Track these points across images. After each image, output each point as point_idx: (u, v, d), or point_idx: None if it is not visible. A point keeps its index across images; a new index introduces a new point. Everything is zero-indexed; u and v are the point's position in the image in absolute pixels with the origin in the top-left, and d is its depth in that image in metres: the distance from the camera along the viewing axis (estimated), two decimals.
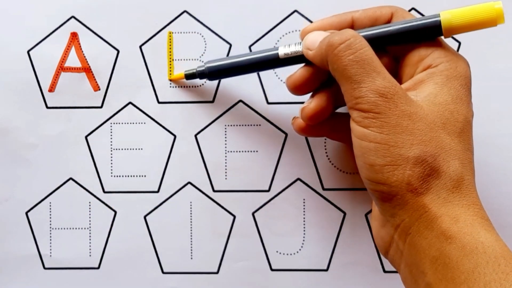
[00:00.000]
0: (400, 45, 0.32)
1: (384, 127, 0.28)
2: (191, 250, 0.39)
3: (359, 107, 0.29)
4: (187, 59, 0.39)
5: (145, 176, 0.39)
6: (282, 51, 0.34)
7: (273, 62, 0.34)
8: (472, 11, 0.30)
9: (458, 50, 0.38)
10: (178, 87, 0.39)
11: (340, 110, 0.35)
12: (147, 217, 0.39)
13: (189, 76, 0.37)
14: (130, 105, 0.39)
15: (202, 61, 0.39)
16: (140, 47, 0.39)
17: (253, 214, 0.39)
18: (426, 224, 0.28)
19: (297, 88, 0.33)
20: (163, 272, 0.39)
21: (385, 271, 0.38)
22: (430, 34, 0.31)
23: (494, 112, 0.38)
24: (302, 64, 0.34)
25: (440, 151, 0.28)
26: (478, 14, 0.30)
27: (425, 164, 0.28)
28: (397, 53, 0.32)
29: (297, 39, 0.38)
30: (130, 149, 0.39)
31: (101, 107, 0.39)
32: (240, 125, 0.39)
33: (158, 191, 0.39)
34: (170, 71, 0.39)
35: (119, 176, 0.39)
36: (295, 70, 0.34)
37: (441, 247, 0.27)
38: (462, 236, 0.27)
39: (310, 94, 0.34)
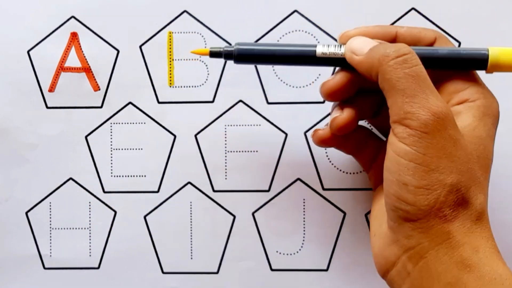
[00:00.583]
0: (442, 70, 0.32)
1: (429, 148, 0.27)
2: (191, 250, 0.39)
3: (407, 122, 0.28)
4: (187, 59, 0.39)
5: (145, 176, 0.39)
6: (320, 50, 0.32)
7: (307, 59, 0.32)
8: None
9: None
10: (178, 87, 0.39)
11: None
12: (147, 217, 0.39)
13: (214, 54, 0.33)
14: (130, 105, 0.39)
15: (203, 61, 0.39)
16: (140, 47, 0.39)
17: (253, 214, 0.39)
18: (447, 250, 0.27)
19: (333, 94, 0.32)
20: (163, 272, 0.39)
21: None
22: (475, 65, 0.31)
23: None
24: (337, 68, 0.33)
25: (472, 183, 0.28)
26: None
27: (458, 193, 0.28)
28: (433, 79, 0.31)
29: (298, 39, 0.38)
30: (130, 149, 0.39)
31: (101, 107, 0.39)
32: (240, 125, 0.39)
33: (158, 191, 0.39)
34: (170, 71, 0.39)
35: (119, 176, 0.39)
36: (331, 76, 0.32)
37: (459, 275, 0.27)
38: (481, 266, 0.27)
39: (334, 104, 0.34)
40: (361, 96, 0.33)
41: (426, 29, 0.33)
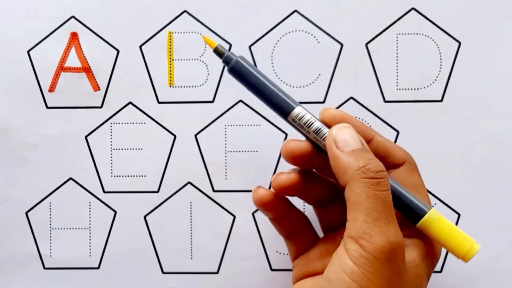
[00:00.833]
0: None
1: (376, 275, 0.27)
2: (191, 250, 0.39)
3: (362, 243, 0.27)
4: (187, 59, 0.39)
5: (145, 176, 0.39)
6: (297, 113, 0.31)
7: (282, 112, 0.31)
8: (454, 231, 0.30)
9: (458, 50, 0.38)
10: (178, 87, 0.39)
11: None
12: (147, 217, 0.39)
13: (216, 51, 0.32)
14: (130, 105, 0.39)
15: (203, 61, 0.39)
16: (140, 47, 0.39)
17: (253, 214, 0.39)
18: None
19: (293, 158, 0.32)
20: (163, 272, 0.39)
21: None
22: (410, 214, 0.30)
23: (494, 111, 0.38)
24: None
25: None
26: (455, 237, 0.29)
27: None
28: None
29: (297, 40, 0.38)
30: (130, 149, 0.39)
31: (101, 107, 0.39)
32: (240, 125, 0.39)
33: (158, 191, 0.39)
34: (170, 71, 0.39)
35: (119, 176, 0.39)
36: (298, 140, 0.32)
37: None
38: None
39: None
40: (316, 180, 0.33)
41: (400, 150, 0.32)
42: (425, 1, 0.38)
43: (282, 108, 0.31)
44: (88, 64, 0.39)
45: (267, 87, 0.31)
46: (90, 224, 0.39)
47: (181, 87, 0.39)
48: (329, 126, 0.31)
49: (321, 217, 0.35)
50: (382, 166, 0.29)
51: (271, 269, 0.39)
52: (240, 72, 0.31)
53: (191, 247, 0.39)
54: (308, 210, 0.38)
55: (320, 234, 0.34)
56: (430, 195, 0.38)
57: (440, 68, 0.38)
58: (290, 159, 0.32)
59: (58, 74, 0.39)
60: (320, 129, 0.31)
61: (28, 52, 0.39)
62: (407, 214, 0.30)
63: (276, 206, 0.33)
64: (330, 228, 0.34)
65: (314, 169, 0.33)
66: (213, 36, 0.39)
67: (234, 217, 0.39)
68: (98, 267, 0.39)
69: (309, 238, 0.34)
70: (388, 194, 0.28)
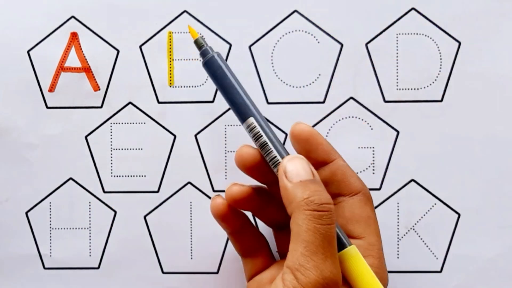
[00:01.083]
0: None
1: None
2: (191, 250, 0.39)
3: (297, 275, 0.28)
4: (187, 59, 0.39)
5: (145, 176, 0.39)
6: (250, 122, 0.32)
7: (239, 117, 0.33)
8: (366, 273, 0.30)
9: (458, 50, 0.38)
10: (178, 87, 0.39)
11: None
12: (147, 217, 0.39)
13: (197, 43, 0.33)
14: (130, 105, 0.39)
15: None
16: (140, 47, 0.39)
17: (252, 214, 0.39)
18: None
19: (243, 166, 0.33)
20: (163, 272, 0.39)
21: None
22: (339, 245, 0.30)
23: (494, 112, 0.38)
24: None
25: None
26: (365, 279, 0.30)
27: None
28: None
29: (297, 40, 0.38)
30: (130, 149, 0.39)
31: (101, 107, 0.39)
32: (240, 125, 0.39)
33: (158, 191, 0.39)
34: (170, 71, 0.39)
35: (119, 176, 0.39)
36: (251, 147, 0.32)
37: None
38: None
39: None
40: (272, 200, 0.33)
41: (358, 179, 0.33)
42: (425, 1, 0.38)
43: (239, 113, 0.32)
44: (88, 64, 0.39)
45: (232, 89, 0.32)
46: (90, 224, 0.39)
47: (181, 87, 0.39)
48: (295, 142, 0.32)
49: (277, 240, 0.35)
50: (328, 199, 0.29)
51: None
52: (212, 68, 0.32)
53: (191, 247, 0.39)
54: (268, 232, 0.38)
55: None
56: (429, 195, 0.38)
57: (440, 68, 0.38)
58: (239, 164, 0.33)
59: (58, 74, 0.39)
60: (266, 143, 0.32)
61: (28, 52, 0.39)
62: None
63: (230, 219, 0.33)
64: (285, 253, 0.33)
65: (269, 188, 0.34)
66: (213, 36, 0.39)
67: None
68: (98, 267, 0.39)
69: (264, 259, 0.34)
70: (330, 228, 0.28)
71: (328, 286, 0.28)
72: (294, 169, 0.30)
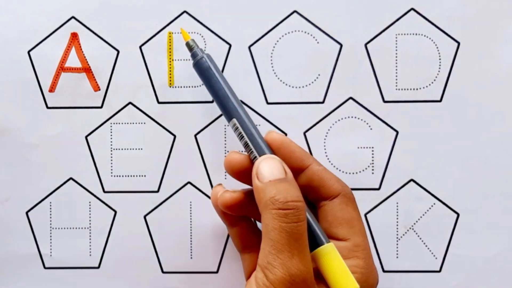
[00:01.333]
0: None
1: None
2: (191, 250, 0.39)
3: (266, 272, 0.28)
4: (187, 59, 0.39)
5: (145, 176, 0.39)
6: (234, 123, 0.33)
7: (226, 117, 0.34)
8: (341, 270, 0.30)
9: (457, 50, 0.38)
10: (178, 87, 0.39)
11: None
12: (147, 217, 0.39)
13: (188, 46, 0.35)
14: (130, 105, 0.39)
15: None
16: (140, 47, 0.39)
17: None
18: None
19: (233, 172, 0.33)
20: (163, 272, 0.39)
21: (384, 271, 0.39)
22: (310, 243, 0.31)
23: (494, 112, 0.38)
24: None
25: None
26: (340, 275, 0.30)
27: None
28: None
29: (297, 40, 0.39)
30: (130, 149, 0.39)
31: (101, 107, 0.39)
32: None
33: (158, 191, 0.39)
34: (170, 71, 0.39)
35: (119, 176, 0.39)
36: (239, 154, 0.33)
37: None
38: None
39: None
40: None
41: (337, 182, 0.33)
42: (424, 1, 0.38)
43: (226, 113, 0.34)
44: (88, 64, 0.39)
45: (219, 90, 0.34)
46: (90, 224, 0.39)
47: (181, 87, 0.39)
48: (269, 148, 0.33)
49: None
50: (295, 197, 0.29)
51: None
52: (201, 69, 0.34)
53: (191, 247, 0.39)
54: None
55: None
56: (429, 195, 0.38)
57: (440, 68, 0.38)
58: (229, 170, 0.34)
59: (58, 74, 0.39)
60: (247, 143, 0.33)
61: (28, 52, 0.39)
62: (310, 241, 0.31)
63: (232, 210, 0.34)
64: None
65: None
66: (213, 36, 0.39)
67: None
68: (98, 267, 0.39)
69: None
70: (296, 226, 0.29)
71: (295, 283, 0.28)
72: (265, 169, 0.31)
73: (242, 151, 0.36)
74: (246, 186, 0.34)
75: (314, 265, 0.31)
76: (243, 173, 0.33)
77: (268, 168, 0.31)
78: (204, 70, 0.34)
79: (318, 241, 0.31)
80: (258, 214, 0.34)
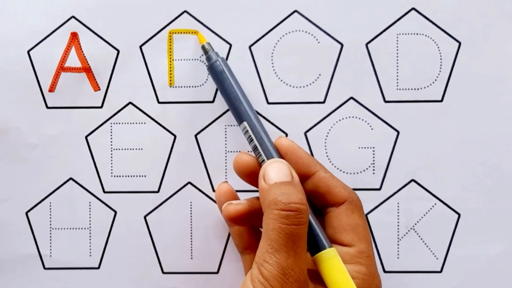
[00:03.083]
0: None
1: None
2: (191, 250, 0.39)
3: (262, 270, 0.29)
4: (187, 59, 0.39)
5: (145, 176, 0.39)
6: (244, 126, 0.34)
7: (237, 120, 0.35)
8: (342, 275, 0.30)
9: (458, 50, 0.38)
10: (178, 87, 0.39)
11: None
12: (147, 217, 0.39)
13: (203, 49, 0.37)
14: (130, 105, 0.39)
15: (203, 61, 0.39)
16: (140, 47, 0.39)
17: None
18: None
19: (241, 173, 0.34)
20: (163, 272, 0.39)
21: (385, 271, 0.38)
22: (312, 247, 0.31)
23: (494, 112, 0.38)
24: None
25: None
26: (340, 281, 0.30)
27: None
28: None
29: (297, 40, 0.38)
30: (130, 149, 0.39)
31: (101, 107, 0.39)
32: None
33: (158, 191, 0.39)
34: (170, 71, 0.39)
35: (119, 176, 0.39)
36: (246, 156, 0.34)
37: None
38: None
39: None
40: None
41: (344, 188, 0.33)
42: (425, 1, 0.38)
43: (236, 116, 0.35)
44: (88, 64, 0.39)
45: (231, 93, 0.35)
46: (90, 224, 0.39)
47: (181, 87, 0.39)
48: (278, 152, 0.33)
49: None
50: (298, 199, 0.30)
51: None
52: (215, 72, 0.36)
53: (191, 247, 0.39)
54: None
55: None
56: (430, 195, 0.38)
57: (440, 68, 0.38)
58: (237, 170, 0.34)
59: (58, 74, 0.39)
60: (256, 147, 0.34)
61: (28, 52, 0.39)
62: (310, 244, 0.31)
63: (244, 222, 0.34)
64: None
65: None
66: (213, 36, 0.39)
67: None
68: (98, 267, 0.39)
69: None
70: (296, 228, 0.29)
71: (289, 282, 0.28)
72: (272, 172, 0.31)
73: (249, 151, 0.36)
74: (250, 186, 0.34)
75: (315, 268, 0.31)
76: (250, 174, 0.34)
77: (275, 171, 0.31)
78: (218, 73, 0.35)
79: (320, 245, 0.31)
80: (260, 223, 0.34)
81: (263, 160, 0.33)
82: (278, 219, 0.29)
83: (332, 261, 0.31)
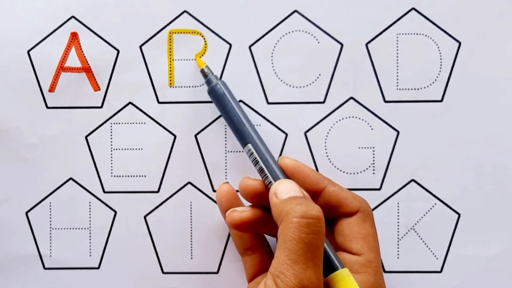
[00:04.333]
0: None
1: None
2: (191, 250, 0.39)
3: (277, 281, 0.28)
4: (187, 59, 0.39)
5: (145, 176, 0.39)
6: (248, 148, 0.34)
7: (240, 142, 0.35)
8: None
9: (458, 50, 0.38)
10: (178, 87, 0.39)
11: None
12: (147, 217, 0.39)
13: (202, 72, 0.37)
14: (130, 105, 0.39)
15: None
16: (140, 47, 0.39)
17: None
18: None
19: (247, 196, 0.34)
20: (163, 272, 0.39)
21: (385, 271, 0.38)
22: (326, 267, 0.31)
23: (494, 112, 0.38)
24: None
25: None
26: None
27: None
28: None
29: (297, 40, 0.38)
30: (130, 149, 0.39)
31: (101, 107, 0.39)
32: None
33: (158, 191, 0.39)
34: (170, 71, 0.39)
35: (119, 176, 0.39)
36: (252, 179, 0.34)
37: None
38: None
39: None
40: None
41: (355, 199, 0.33)
42: (425, 1, 0.38)
43: (240, 138, 0.35)
44: (88, 64, 0.39)
45: (234, 116, 0.35)
46: (90, 224, 0.39)
47: (181, 87, 0.39)
48: (284, 173, 0.34)
49: None
50: (315, 211, 0.29)
51: None
52: (216, 95, 0.36)
53: (191, 247, 0.39)
54: None
55: None
56: (430, 195, 0.38)
57: (440, 68, 0.38)
58: (244, 195, 0.34)
59: (58, 74, 0.39)
60: (263, 169, 0.34)
61: (28, 52, 0.39)
62: (327, 265, 0.31)
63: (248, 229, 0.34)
64: None
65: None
66: (213, 36, 0.39)
67: None
68: (98, 267, 0.39)
69: (264, 258, 0.35)
70: (315, 238, 0.29)
71: None
72: (284, 189, 0.31)
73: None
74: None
75: None
76: (258, 196, 0.34)
77: (286, 188, 0.31)
78: (219, 96, 0.36)
79: (333, 265, 0.31)
80: (266, 231, 0.35)
81: (270, 182, 0.33)
82: (298, 228, 0.29)
83: (346, 281, 0.30)
